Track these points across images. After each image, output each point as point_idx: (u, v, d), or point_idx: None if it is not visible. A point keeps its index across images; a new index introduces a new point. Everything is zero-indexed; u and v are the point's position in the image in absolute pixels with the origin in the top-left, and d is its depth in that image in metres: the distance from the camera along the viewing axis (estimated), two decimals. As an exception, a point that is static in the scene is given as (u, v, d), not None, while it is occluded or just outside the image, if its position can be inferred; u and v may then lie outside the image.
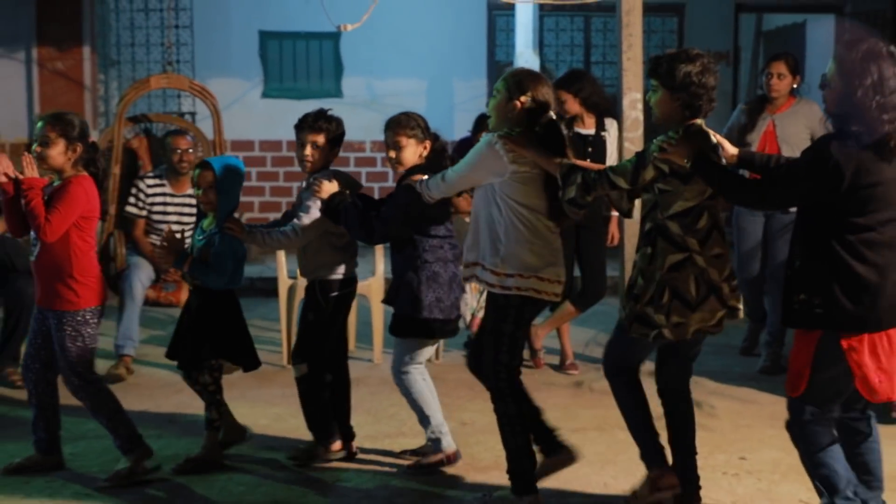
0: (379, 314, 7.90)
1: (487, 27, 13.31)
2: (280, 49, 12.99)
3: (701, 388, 7.11)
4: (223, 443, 5.67)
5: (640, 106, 7.70)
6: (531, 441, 5.15)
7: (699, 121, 4.77)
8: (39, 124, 5.34)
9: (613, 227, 7.70)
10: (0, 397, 6.99)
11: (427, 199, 5.28)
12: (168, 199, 7.81)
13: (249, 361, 5.68)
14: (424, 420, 5.67)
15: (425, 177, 5.33)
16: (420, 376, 5.65)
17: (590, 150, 7.63)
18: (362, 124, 12.75)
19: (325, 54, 12.94)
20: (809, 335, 4.44)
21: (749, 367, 7.81)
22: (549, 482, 5.27)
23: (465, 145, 7.20)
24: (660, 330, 4.72)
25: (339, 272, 5.71)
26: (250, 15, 12.75)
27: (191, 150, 7.83)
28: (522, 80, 5.10)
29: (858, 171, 4.26)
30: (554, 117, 5.14)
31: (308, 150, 5.62)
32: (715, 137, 4.82)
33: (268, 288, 9.35)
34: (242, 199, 5.87)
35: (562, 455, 5.26)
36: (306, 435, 5.89)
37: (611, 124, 7.67)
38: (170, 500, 5.22)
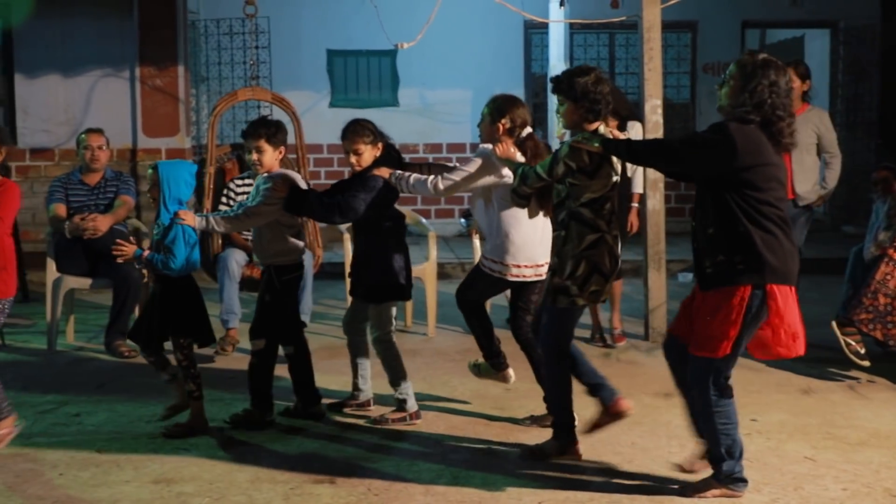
0: (433, 294, 7.88)
1: (524, 44, 13.25)
2: (345, 65, 12.99)
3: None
4: (176, 407, 5.65)
5: (660, 111, 7.66)
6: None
7: (601, 125, 4.95)
8: None
9: (633, 217, 7.60)
10: (110, 365, 7.03)
11: (430, 194, 5.54)
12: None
13: (205, 338, 5.65)
14: (397, 381, 5.77)
15: (387, 172, 5.58)
16: (395, 339, 5.79)
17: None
18: (416, 129, 12.77)
19: (383, 69, 12.92)
20: (732, 297, 4.35)
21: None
22: (582, 440, 5.22)
23: None
24: (574, 298, 4.92)
25: (291, 258, 5.80)
26: (319, 36, 12.75)
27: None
28: (502, 106, 5.46)
29: (752, 151, 4.33)
30: (530, 131, 5.49)
31: (255, 157, 5.74)
32: (612, 134, 4.99)
33: (335, 272, 9.33)
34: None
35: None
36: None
37: (632, 126, 7.57)
38: (255, 456, 5.20)
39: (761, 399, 6.19)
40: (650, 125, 7.59)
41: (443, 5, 9.09)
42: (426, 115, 12.73)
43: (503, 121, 5.42)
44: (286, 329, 5.86)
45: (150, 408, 5.89)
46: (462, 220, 7.95)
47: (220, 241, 7.74)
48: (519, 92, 13.00)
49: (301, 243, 5.93)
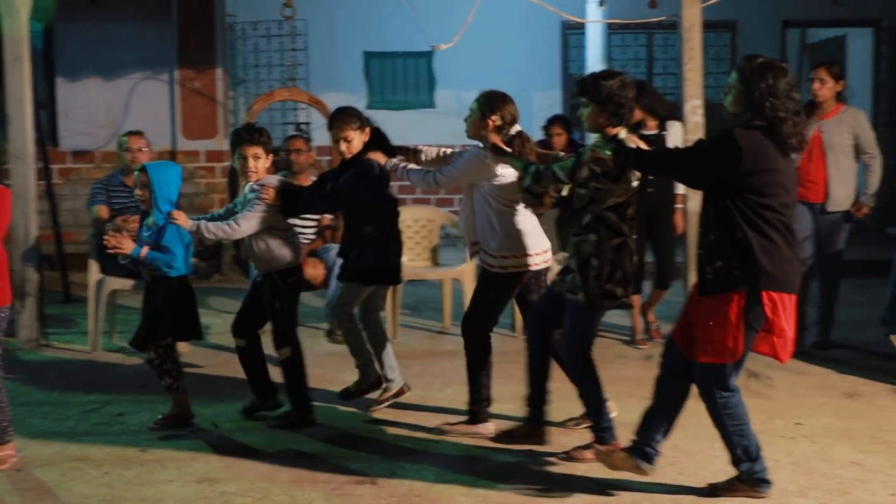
0: (470, 295, 7.86)
1: (561, 44, 13.21)
2: (381, 67, 13.00)
3: (758, 362, 6.95)
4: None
5: (700, 111, 7.63)
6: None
7: (622, 130, 4.93)
8: None
9: (678, 218, 7.57)
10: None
11: (429, 186, 5.59)
12: None
13: (195, 334, 5.82)
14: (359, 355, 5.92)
15: (382, 157, 5.65)
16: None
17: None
18: (452, 130, 12.70)
19: (419, 70, 12.92)
20: (730, 302, 4.37)
21: (800, 342, 7.62)
22: (554, 416, 5.32)
23: (542, 147, 7.12)
24: (621, 300, 4.97)
25: (293, 261, 5.76)
26: (355, 38, 12.77)
27: (303, 151, 7.83)
28: (493, 102, 5.40)
29: (757, 157, 4.33)
30: (519, 129, 5.42)
31: (251, 164, 5.64)
32: (634, 142, 4.94)
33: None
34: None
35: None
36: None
37: (672, 126, 7.54)
38: (296, 457, 5.22)
39: (806, 402, 6.14)
40: (690, 125, 7.56)
41: (480, 6, 9.08)
42: (462, 117, 12.71)
43: (493, 117, 5.36)
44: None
45: (193, 408, 5.92)
46: None
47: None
48: (556, 93, 13.02)
49: (296, 244, 5.89)
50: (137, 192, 5.63)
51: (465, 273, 7.82)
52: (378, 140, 5.77)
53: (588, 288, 4.93)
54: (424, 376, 6.63)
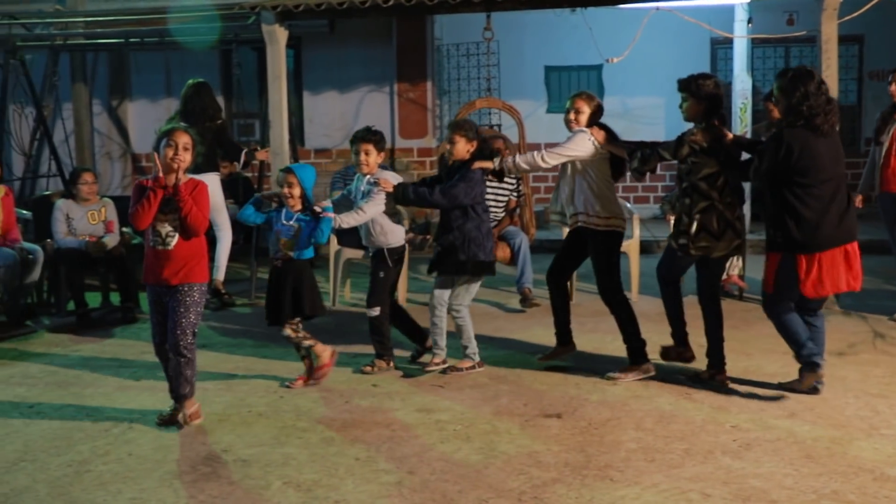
0: (636, 266, 7.74)
1: (710, 57, 12.76)
2: (559, 78, 12.89)
3: (883, 325, 6.64)
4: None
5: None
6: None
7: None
8: None
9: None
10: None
11: (538, 164, 5.51)
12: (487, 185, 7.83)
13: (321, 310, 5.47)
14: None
15: (489, 164, 5.54)
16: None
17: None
18: (617, 130, 12.48)
19: (591, 80, 12.73)
20: (774, 256, 4.93)
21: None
22: (765, 392, 5.03)
23: None
24: (688, 248, 5.20)
25: (400, 240, 5.75)
26: (538, 55, 12.69)
27: (502, 150, 7.80)
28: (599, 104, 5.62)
29: (802, 149, 4.76)
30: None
31: (362, 157, 5.58)
32: (722, 130, 5.18)
33: (552, 247, 9.29)
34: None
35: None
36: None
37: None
38: (496, 395, 5.26)
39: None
40: (827, 124, 7.20)
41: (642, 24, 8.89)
42: (626, 119, 12.43)
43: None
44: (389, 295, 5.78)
45: (411, 350, 6.04)
46: (660, 205, 7.77)
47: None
48: (705, 98, 12.56)
49: (402, 226, 5.82)
50: (285, 190, 5.34)
51: (631, 248, 7.68)
52: (485, 150, 5.65)
53: (678, 238, 5.24)
54: (596, 331, 6.58)
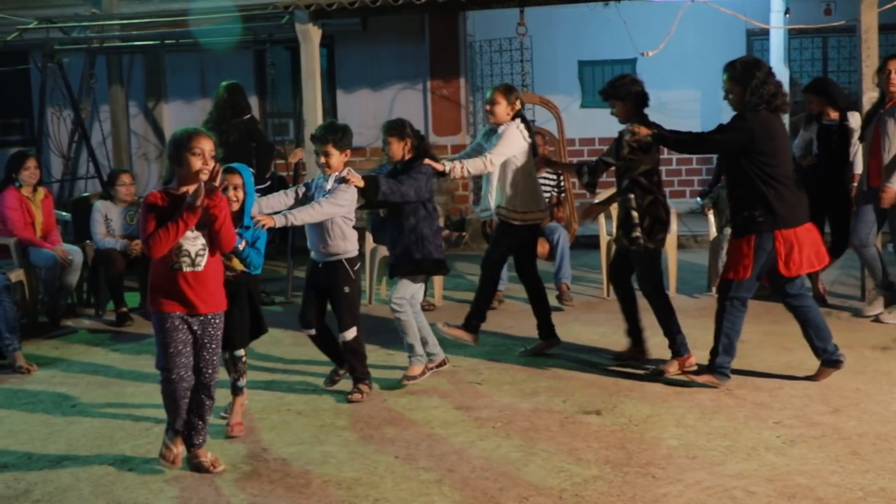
0: (674, 260, 7.67)
1: (746, 48, 12.60)
2: (592, 73, 12.81)
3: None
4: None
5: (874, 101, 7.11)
6: None
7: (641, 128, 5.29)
8: None
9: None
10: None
11: (485, 168, 5.63)
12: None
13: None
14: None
15: (439, 165, 5.41)
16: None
17: (835, 137, 7.11)
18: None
19: (624, 74, 12.65)
20: (748, 239, 4.97)
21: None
22: (747, 362, 4.95)
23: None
24: (643, 242, 5.38)
25: (357, 248, 5.18)
26: (571, 50, 12.63)
27: (539, 146, 7.74)
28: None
29: (764, 130, 4.91)
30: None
31: (322, 160, 5.06)
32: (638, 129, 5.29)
33: (589, 243, 9.25)
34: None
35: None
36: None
37: (852, 115, 7.12)
38: (533, 391, 5.24)
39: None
40: (867, 113, 7.07)
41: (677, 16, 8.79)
42: (661, 112, 12.13)
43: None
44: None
45: (447, 351, 6.02)
46: (698, 199, 7.69)
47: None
48: (741, 90, 12.41)
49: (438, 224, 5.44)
50: (230, 192, 4.42)
51: (668, 243, 7.59)
52: (424, 148, 5.41)
53: (630, 233, 5.37)
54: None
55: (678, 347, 5.45)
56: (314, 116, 8.23)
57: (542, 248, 7.48)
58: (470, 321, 5.87)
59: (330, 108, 11.28)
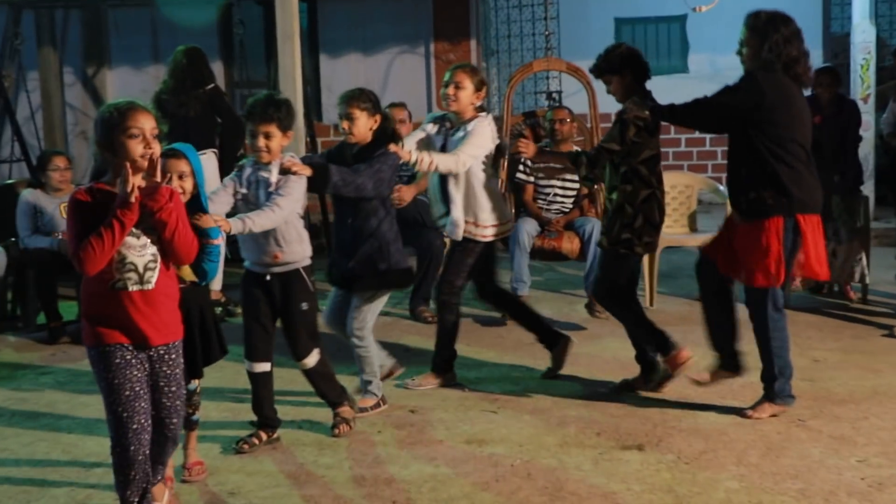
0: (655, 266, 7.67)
1: (822, 5, 12.62)
2: (633, 32, 12.86)
3: None
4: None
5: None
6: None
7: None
8: None
9: None
10: (414, 329, 7.28)
11: (455, 167, 5.54)
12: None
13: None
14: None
15: (406, 154, 5.32)
16: None
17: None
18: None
19: (672, 35, 12.69)
20: (767, 230, 4.93)
21: None
22: (823, 386, 4.96)
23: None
24: (633, 248, 5.45)
25: (310, 253, 5.02)
26: (607, 5, 12.67)
27: (567, 121, 7.83)
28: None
29: (777, 92, 4.90)
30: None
31: (261, 142, 4.78)
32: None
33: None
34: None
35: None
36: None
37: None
38: (561, 421, 5.25)
39: None
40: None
41: (738, -34, 8.81)
42: (717, 82, 12.16)
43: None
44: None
45: (459, 372, 6.03)
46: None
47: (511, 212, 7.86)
48: (816, 53, 12.40)
49: None
50: (175, 183, 4.08)
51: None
52: (388, 130, 5.30)
53: (620, 234, 5.43)
54: (684, 344, 6.50)
55: (661, 349, 5.55)
56: (291, 87, 8.22)
57: (572, 243, 7.51)
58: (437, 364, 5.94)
59: (312, 76, 11.32)
